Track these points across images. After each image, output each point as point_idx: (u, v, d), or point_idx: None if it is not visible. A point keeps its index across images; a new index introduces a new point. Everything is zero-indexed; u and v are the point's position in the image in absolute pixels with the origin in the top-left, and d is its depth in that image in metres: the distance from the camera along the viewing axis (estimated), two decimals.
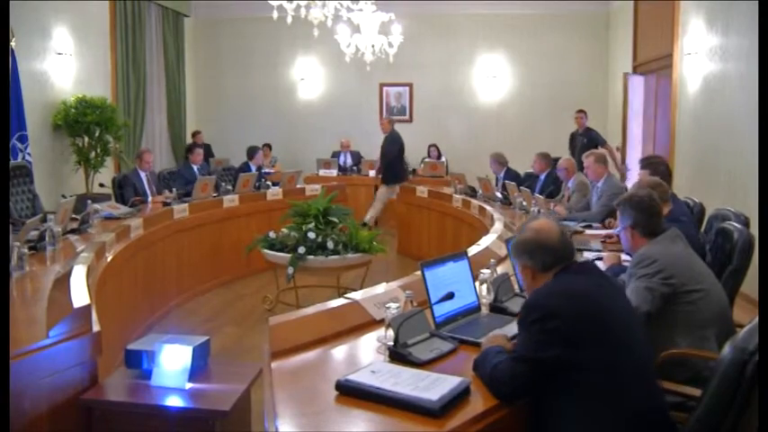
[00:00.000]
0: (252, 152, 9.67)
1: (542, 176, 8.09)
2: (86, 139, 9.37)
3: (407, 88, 13.33)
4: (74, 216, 5.94)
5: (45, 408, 2.87)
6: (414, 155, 12.66)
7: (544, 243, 2.57)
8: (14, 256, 4.14)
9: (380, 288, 3.45)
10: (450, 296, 2.85)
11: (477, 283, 3.32)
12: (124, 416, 2.98)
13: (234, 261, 7.54)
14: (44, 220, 6.16)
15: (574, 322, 2.31)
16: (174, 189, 7.85)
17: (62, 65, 9.44)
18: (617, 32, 11.97)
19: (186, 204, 7.29)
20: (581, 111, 10.50)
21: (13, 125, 8.13)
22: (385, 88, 13.36)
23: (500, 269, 3.66)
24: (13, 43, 8.18)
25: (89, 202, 6.40)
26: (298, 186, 9.41)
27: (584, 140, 10.07)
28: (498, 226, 5.68)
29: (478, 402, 2.30)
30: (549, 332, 2.30)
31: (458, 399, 2.26)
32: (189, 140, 12.64)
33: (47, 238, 4.95)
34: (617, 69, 11.81)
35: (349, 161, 12.32)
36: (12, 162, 7.74)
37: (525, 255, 2.61)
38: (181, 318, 6.51)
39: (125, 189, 7.82)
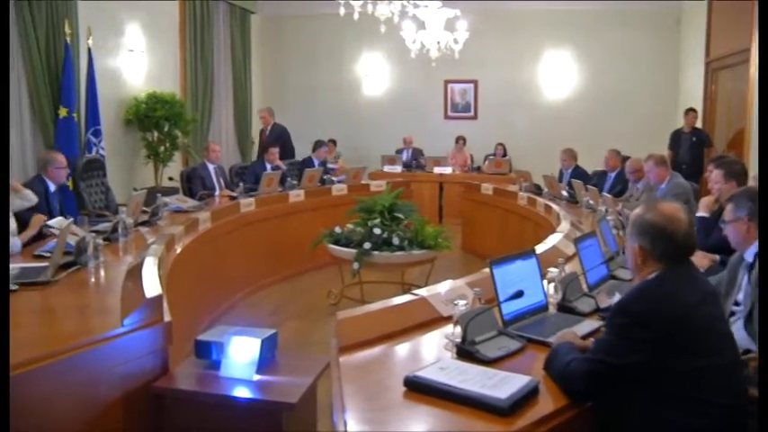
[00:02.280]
0: (317, 146, 9.74)
1: (612, 174, 7.94)
2: (156, 133, 9.58)
3: (472, 85, 13.25)
4: (144, 209, 6.08)
5: (119, 394, 2.95)
6: (478, 152, 12.61)
7: (672, 233, 2.41)
8: (90, 246, 4.26)
9: (447, 285, 3.44)
10: (519, 294, 2.82)
11: (544, 282, 3.28)
12: (193, 405, 3.03)
13: (298, 255, 7.60)
14: (116, 212, 6.33)
15: (665, 332, 2.22)
16: (240, 184, 7.97)
17: (134, 62, 9.67)
18: (689, 28, 11.68)
19: (253, 198, 7.40)
20: (692, 109, 10.22)
21: (89, 120, 8.37)
22: (450, 85, 13.31)
23: (568, 268, 3.61)
24: (89, 42, 8.42)
25: (159, 195, 6.55)
26: (362, 182, 9.46)
27: (693, 139, 9.84)
28: (565, 225, 5.60)
29: (548, 402, 2.27)
30: (637, 340, 2.22)
31: (526, 398, 2.24)
32: (254, 136, 12.83)
33: (119, 230, 5.09)
34: (688, 66, 11.54)
35: (411, 158, 12.30)
36: (87, 156, 7.97)
37: (647, 238, 2.44)
38: (246, 311, 6.60)
39: (193, 183, 7.98)
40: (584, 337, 2.71)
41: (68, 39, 7.96)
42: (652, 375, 2.21)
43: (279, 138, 10.29)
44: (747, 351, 2.77)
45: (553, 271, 3.52)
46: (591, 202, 6.87)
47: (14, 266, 4.17)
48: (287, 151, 10.32)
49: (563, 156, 8.73)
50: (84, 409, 2.83)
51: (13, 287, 3.67)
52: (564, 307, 3.22)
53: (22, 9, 7.47)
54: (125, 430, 2.98)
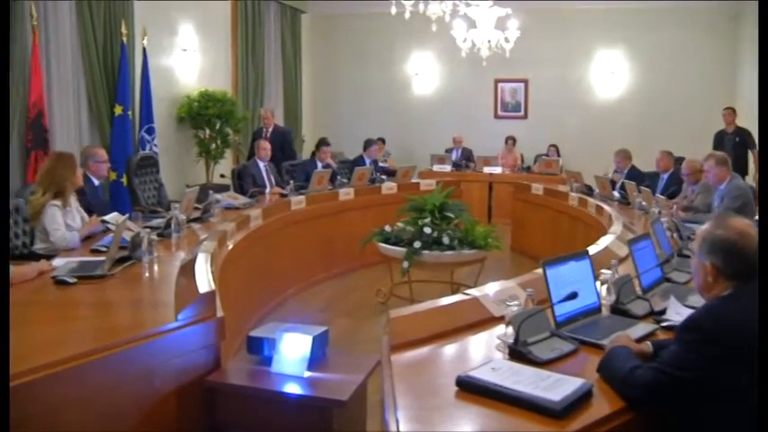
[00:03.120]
0: (367, 145, 9.77)
1: (665, 176, 7.81)
2: (208, 131, 9.72)
3: (523, 84, 13.16)
4: (196, 205, 6.16)
5: (173, 387, 3.00)
6: (528, 151, 12.52)
7: (744, 250, 2.33)
8: (145, 242, 4.33)
9: (498, 285, 3.42)
10: (573, 296, 2.80)
11: (597, 284, 3.24)
12: (245, 399, 3.06)
13: (347, 253, 7.63)
14: (168, 208, 6.43)
15: (734, 349, 2.16)
16: (290, 181, 8.03)
17: (187, 61, 9.83)
18: (746, 26, 11.42)
19: (303, 196, 7.45)
20: (730, 108, 10.01)
21: (143, 118, 8.52)
22: (500, 84, 13.25)
23: (621, 270, 3.56)
24: (144, 41, 8.59)
25: (210, 192, 6.63)
26: (412, 181, 9.46)
27: (736, 140, 9.64)
28: (617, 226, 5.53)
29: (602, 406, 2.24)
30: (706, 356, 2.17)
31: (580, 401, 2.21)
32: (303, 134, 12.94)
33: (172, 226, 5.17)
34: (744, 64, 11.29)
35: (460, 157, 12.25)
36: (140, 153, 8.11)
37: (719, 255, 2.36)
38: (295, 307, 6.64)
39: (244, 180, 8.06)
40: (639, 341, 2.66)
41: (124, 39, 8.13)
42: (717, 391, 2.17)
43: (281, 140, 9.81)
44: None
45: (606, 273, 3.47)
46: (643, 203, 6.76)
47: (73, 260, 4.28)
48: (286, 154, 9.72)
49: (617, 157, 8.61)
50: (139, 400, 2.88)
51: (71, 280, 3.77)
52: (617, 309, 3.17)
53: (82, 10, 7.64)
54: (178, 423, 3.03)
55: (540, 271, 3.02)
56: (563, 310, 2.89)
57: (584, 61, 12.65)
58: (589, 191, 8.12)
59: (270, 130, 9.71)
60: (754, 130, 9.88)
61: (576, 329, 2.87)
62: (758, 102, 3.58)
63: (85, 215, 5.19)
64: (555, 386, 2.25)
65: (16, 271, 3.87)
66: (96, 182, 5.95)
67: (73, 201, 4.96)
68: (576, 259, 3.10)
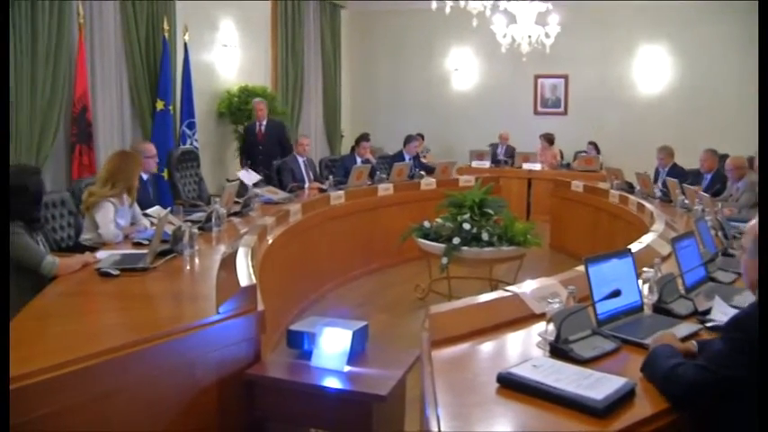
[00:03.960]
0: (408, 140, 9.76)
1: (708, 175, 7.69)
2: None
3: (563, 80, 13.03)
4: (236, 200, 6.21)
5: (214, 379, 3.04)
6: (568, 148, 12.40)
7: None
8: (186, 235, 4.38)
9: (539, 282, 3.40)
10: (616, 294, 2.77)
11: (639, 282, 3.21)
12: (285, 393, 3.09)
13: (385, 249, 7.65)
14: (208, 202, 6.50)
15: None
16: (329, 176, 8.06)
17: (227, 56, 9.91)
18: None
19: (342, 191, 7.47)
20: None
21: (184, 113, 8.61)
22: (540, 80, 13.12)
23: (664, 269, 3.52)
24: (186, 37, 8.68)
25: (250, 186, 6.68)
26: (451, 177, 9.44)
27: None
28: (660, 224, 5.45)
29: (644, 406, 2.21)
30: (752, 356, 2.12)
31: (623, 400, 2.19)
32: (342, 130, 12.98)
33: (213, 220, 5.22)
34: None
35: (505, 153, 12.18)
36: (181, 147, 8.21)
37: None
38: (334, 302, 6.67)
39: (283, 174, 8.11)
40: (683, 340, 2.62)
41: (166, 35, 8.22)
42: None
43: (278, 133, 9.27)
44: None
45: (648, 271, 3.43)
46: (686, 201, 6.66)
47: (116, 253, 4.35)
48: (285, 149, 9.05)
49: (660, 153, 8.49)
50: (180, 391, 2.93)
51: (115, 272, 3.83)
52: (660, 308, 3.13)
53: (126, 8, 7.75)
54: (219, 414, 3.07)
55: (580, 268, 3.00)
56: (605, 308, 2.86)
57: (626, 57, 12.47)
58: (630, 188, 8.02)
59: (264, 123, 9.20)
60: None
61: (618, 328, 2.84)
62: (758, 102, 3.50)
63: (139, 211, 5.28)
64: (597, 385, 2.23)
65: (62, 262, 3.95)
66: (144, 176, 6.04)
67: (126, 199, 5.05)
68: (619, 257, 3.07)
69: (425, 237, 6.31)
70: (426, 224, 6.40)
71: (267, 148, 8.94)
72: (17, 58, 6.32)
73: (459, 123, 13.37)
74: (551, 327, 2.67)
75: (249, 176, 7.71)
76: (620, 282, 2.92)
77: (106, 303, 3.64)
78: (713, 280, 3.70)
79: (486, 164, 11.51)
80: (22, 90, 6.38)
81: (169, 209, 5.04)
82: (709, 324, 2.93)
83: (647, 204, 6.85)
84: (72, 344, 2.73)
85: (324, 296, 6.79)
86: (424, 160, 10.43)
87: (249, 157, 9.07)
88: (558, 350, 2.58)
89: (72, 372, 2.52)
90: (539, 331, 2.84)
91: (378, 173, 8.53)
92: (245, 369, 3.14)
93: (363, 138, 9.19)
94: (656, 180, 8.24)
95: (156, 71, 8.19)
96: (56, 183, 6.95)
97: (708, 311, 3.07)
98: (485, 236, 5.97)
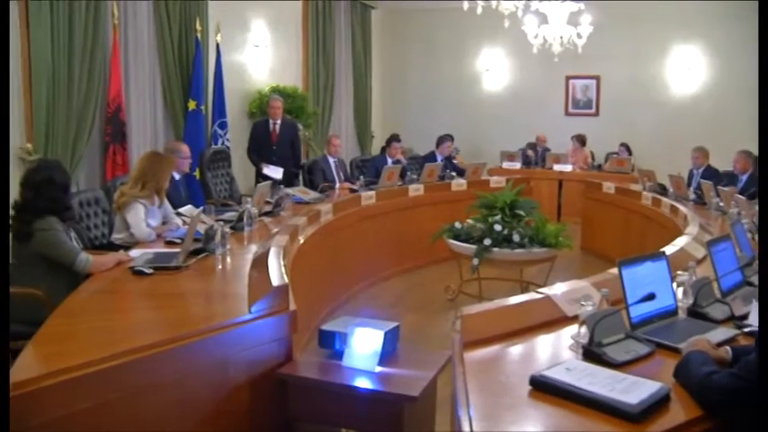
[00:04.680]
0: (440, 141, 9.74)
1: (744, 177, 7.58)
2: None
3: (594, 81, 12.90)
4: (268, 199, 6.24)
5: (246, 377, 3.07)
6: (599, 149, 12.30)
7: None
8: (218, 235, 4.42)
9: (571, 284, 3.37)
10: (651, 297, 2.74)
11: (674, 285, 3.17)
12: (316, 392, 3.10)
13: (416, 249, 7.63)
14: (240, 202, 6.54)
15: None
16: (360, 177, 8.07)
17: (259, 56, 9.94)
18: None
19: (373, 192, 7.48)
20: None
21: (215, 113, 8.66)
22: (571, 81, 13.01)
23: (699, 272, 3.47)
24: (218, 38, 8.74)
25: (281, 186, 6.71)
26: (482, 178, 9.41)
27: None
28: (694, 227, 5.38)
29: (679, 411, 2.19)
30: None
31: (657, 405, 2.17)
32: (373, 130, 12.98)
33: (245, 219, 5.25)
34: None
35: (540, 155, 12.11)
36: (213, 147, 8.26)
37: None
38: (365, 302, 6.68)
39: (314, 174, 8.14)
40: (718, 345, 2.58)
41: (199, 35, 8.27)
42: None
43: (292, 134, 8.79)
44: None
45: (683, 274, 3.39)
46: (721, 204, 6.57)
47: (149, 251, 4.40)
48: (297, 150, 8.82)
49: (695, 154, 8.39)
50: (213, 389, 2.96)
51: (148, 271, 3.87)
52: (695, 312, 3.10)
53: (159, 8, 7.81)
54: (251, 412, 3.10)
55: (613, 271, 2.98)
56: (639, 311, 2.83)
57: (659, 57, 12.32)
58: (663, 190, 7.93)
59: (278, 122, 8.60)
60: None
61: (652, 332, 2.82)
62: (758, 102, 3.44)
63: (171, 210, 5.33)
64: (631, 389, 2.21)
65: (96, 260, 4.00)
66: (177, 176, 6.09)
67: (156, 199, 5.10)
68: (653, 260, 3.04)
69: (456, 238, 6.29)
70: (457, 225, 6.38)
71: (281, 149, 8.51)
72: (54, 58, 6.40)
73: (489, 124, 13.31)
74: (584, 329, 2.65)
75: (275, 171, 7.72)
76: (654, 285, 2.89)
77: (139, 301, 3.69)
78: (750, 284, 3.62)
79: (517, 165, 11.46)
80: (59, 90, 6.46)
81: (201, 208, 5.09)
82: (746, 329, 2.89)
83: (681, 207, 6.77)
84: (106, 341, 2.77)
85: (354, 296, 6.81)
86: (455, 161, 10.40)
87: (262, 159, 8.46)
88: (591, 353, 2.56)
89: (105, 369, 2.56)
90: (571, 334, 2.82)
91: (408, 173, 8.53)
92: (277, 368, 3.16)
93: (394, 138, 9.19)
94: (689, 181, 8.14)
95: (189, 71, 8.24)
96: (90, 182, 7.02)
97: (745, 316, 3.03)
98: (516, 237, 5.94)
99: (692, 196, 7.45)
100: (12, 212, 4.01)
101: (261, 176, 7.77)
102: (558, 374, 2.31)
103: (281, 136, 8.49)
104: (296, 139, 8.91)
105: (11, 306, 3.89)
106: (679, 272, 3.43)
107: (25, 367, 2.51)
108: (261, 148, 8.49)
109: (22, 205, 3.99)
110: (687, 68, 12.06)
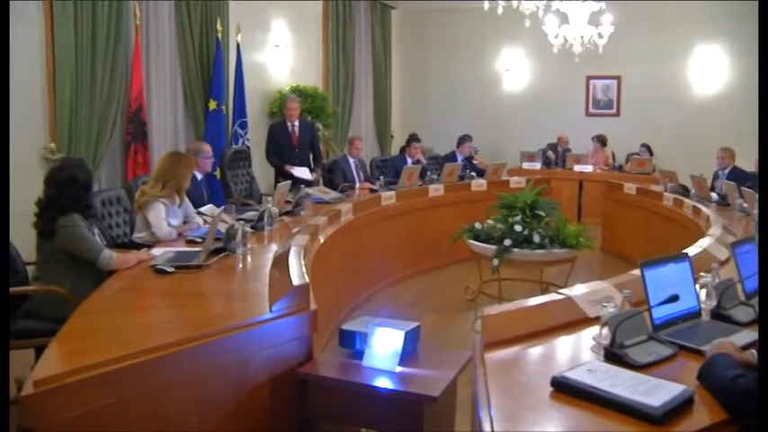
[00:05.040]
0: (461, 141, 9.73)
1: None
2: None
3: (615, 81, 12.83)
4: (288, 199, 6.26)
5: (266, 377, 3.08)
6: (620, 150, 12.23)
7: None
8: (239, 234, 4.44)
9: (592, 286, 3.35)
10: (674, 298, 2.72)
11: (696, 287, 3.14)
12: (337, 392, 3.10)
13: (435, 249, 7.59)
14: (260, 201, 6.56)
15: None
16: (380, 177, 8.07)
17: (279, 57, 9.97)
18: None
19: (393, 192, 7.48)
20: None
21: (236, 113, 8.70)
22: (592, 81, 12.94)
23: (723, 274, 3.44)
24: (238, 38, 8.78)
25: (301, 186, 6.72)
26: (502, 178, 9.38)
27: None
28: (716, 229, 5.33)
29: (703, 415, 2.16)
30: None
31: (680, 408, 2.14)
32: (392, 130, 12.98)
33: (265, 219, 5.27)
34: None
35: (562, 155, 12.06)
36: (233, 147, 8.29)
37: None
38: (384, 302, 6.68)
39: (334, 174, 8.15)
40: (743, 349, 2.55)
41: (219, 35, 8.31)
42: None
43: (311, 134, 8.52)
44: None
45: (706, 276, 3.36)
46: (745, 205, 6.51)
47: (170, 250, 4.43)
48: (317, 150, 8.56)
49: (721, 154, 8.31)
50: (234, 388, 2.97)
51: (169, 269, 3.90)
52: (718, 314, 3.06)
53: (180, 9, 7.86)
54: (271, 411, 3.10)
55: (635, 272, 2.96)
56: (661, 313, 2.81)
57: (681, 57, 12.22)
58: (684, 191, 7.86)
59: (296, 123, 8.31)
60: None
61: (675, 334, 2.79)
62: (758, 102, 3.39)
63: (192, 209, 5.36)
64: (654, 391, 2.19)
65: (118, 257, 4.04)
66: (199, 176, 6.12)
67: (177, 199, 5.13)
68: (676, 261, 3.01)
69: (476, 238, 6.27)
70: (477, 225, 6.36)
71: (302, 151, 8.28)
72: (78, 59, 6.45)
73: (509, 124, 13.28)
74: (606, 331, 2.63)
75: (304, 172, 7.72)
76: (676, 286, 2.87)
77: (161, 300, 3.71)
78: None
79: (537, 165, 11.42)
80: (82, 90, 6.52)
81: (222, 208, 5.11)
82: None
83: (703, 208, 6.71)
84: (128, 339, 2.79)
85: (374, 296, 6.81)
86: (474, 162, 10.37)
87: (284, 162, 8.12)
88: (613, 355, 2.54)
89: (128, 366, 2.57)
90: (592, 335, 2.81)
91: (428, 173, 8.52)
92: (297, 367, 3.16)
93: (413, 138, 9.18)
94: (714, 182, 8.06)
95: (210, 71, 8.29)
96: (111, 181, 7.08)
97: None
98: (536, 238, 5.91)
99: (715, 197, 7.38)
100: (36, 210, 4.05)
101: (283, 177, 7.70)
102: (579, 376, 2.29)
103: (300, 137, 8.27)
104: (315, 139, 8.74)
105: (37, 303, 3.98)
106: (702, 273, 3.40)
107: (49, 364, 2.54)
108: (281, 151, 8.20)
109: (46, 203, 4.04)
110: (710, 68, 11.95)
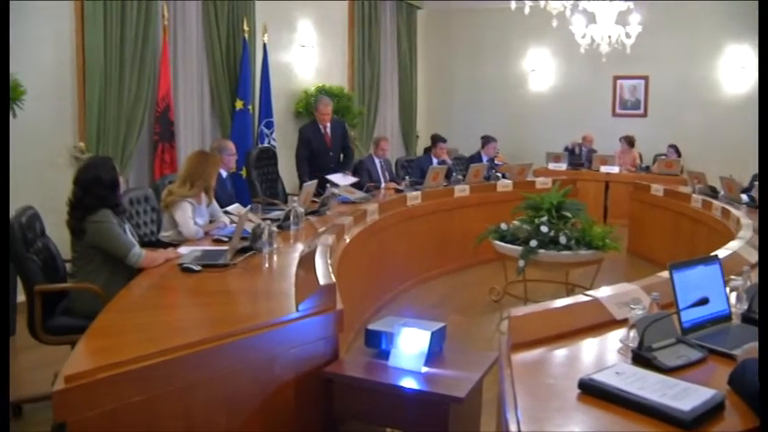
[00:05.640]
0: (485, 142, 9.70)
1: None
2: None
3: (643, 81, 12.72)
4: (314, 199, 6.27)
5: (292, 375, 3.09)
6: (647, 151, 12.13)
7: None
8: (265, 233, 4.45)
9: (620, 287, 3.32)
10: (704, 301, 2.69)
11: (727, 290, 3.11)
12: (362, 392, 3.10)
13: (460, 250, 7.61)
14: (285, 200, 6.58)
15: None
16: (406, 177, 8.07)
17: (305, 56, 10.00)
18: None
19: (419, 192, 7.48)
20: None
21: (262, 112, 8.74)
22: (619, 81, 12.84)
23: (753, 277, 3.40)
24: (265, 38, 8.82)
25: (327, 186, 6.74)
26: (528, 179, 9.35)
27: None
28: (747, 231, 5.25)
29: (734, 420, 2.12)
30: None
31: (711, 413, 2.10)
32: (418, 130, 12.97)
33: (291, 218, 5.29)
34: None
35: (586, 155, 11.99)
36: (259, 146, 8.33)
37: None
38: (409, 302, 6.69)
39: (360, 174, 8.15)
40: None
41: (246, 35, 8.35)
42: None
43: (343, 135, 8.28)
44: None
45: (736, 279, 3.32)
46: None
47: (197, 249, 4.47)
48: (348, 150, 8.27)
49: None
50: (260, 387, 2.98)
51: (197, 268, 3.92)
52: (749, 318, 3.01)
53: (207, 9, 7.91)
54: (297, 410, 3.11)
55: (663, 274, 2.93)
56: (690, 316, 2.78)
57: (710, 57, 12.08)
58: (713, 193, 7.78)
59: (328, 125, 8.02)
60: None
61: (704, 337, 2.76)
62: (758, 102, 3.35)
63: (218, 209, 5.40)
64: (683, 395, 2.16)
65: (147, 256, 4.07)
66: (224, 174, 6.14)
67: (204, 198, 5.16)
68: (705, 264, 2.97)
69: (502, 239, 6.24)
70: (503, 226, 6.33)
71: (336, 154, 8.06)
72: (107, 59, 6.52)
73: (535, 125, 13.21)
74: (633, 333, 2.61)
75: (345, 179, 7.53)
76: (706, 289, 2.83)
77: (188, 298, 3.74)
78: None
79: (563, 166, 11.37)
80: (111, 90, 6.58)
81: (249, 207, 5.13)
82: None
83: (733, 210, 6.63)
84: (155, 336, 2.81)
85: (399, 296, 6.82)
86: (497, 162, 10.34)
87: (319, 168, 7.65)
88: (641, 357, 2.51)
89: (156, 364, 2.59)
90: (619, 337, 2.78)
91: (454, 174, 8.51)
92: (323, 367, 3.17)
93: (439, 139, 9.16)
94: (751, 185, 7.94)
95: (236, 71, 8.33)
96: (139, 180, 7.15)
97: None
98: (562, 239, 5.86)
99: (746, 199, 7.28)
100: (67, 209, 4.11)
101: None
102: (607, 378, 2.27)
103: (333, 139, 8.00)
104: (347, 138, 8.41)
105: (72, 300, 4.04)
106: (732, 276, 3.36)
107: (79, 360, 2.57)
108: (316, 155, 7.83)
109: (74, 203, 4.08)
110: (741, 68, 11.78)
